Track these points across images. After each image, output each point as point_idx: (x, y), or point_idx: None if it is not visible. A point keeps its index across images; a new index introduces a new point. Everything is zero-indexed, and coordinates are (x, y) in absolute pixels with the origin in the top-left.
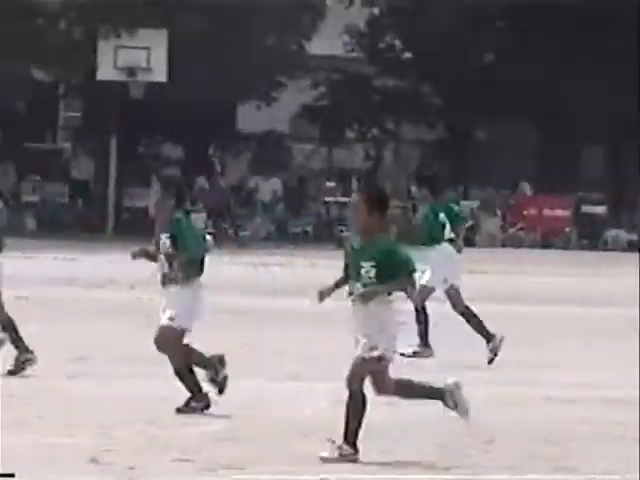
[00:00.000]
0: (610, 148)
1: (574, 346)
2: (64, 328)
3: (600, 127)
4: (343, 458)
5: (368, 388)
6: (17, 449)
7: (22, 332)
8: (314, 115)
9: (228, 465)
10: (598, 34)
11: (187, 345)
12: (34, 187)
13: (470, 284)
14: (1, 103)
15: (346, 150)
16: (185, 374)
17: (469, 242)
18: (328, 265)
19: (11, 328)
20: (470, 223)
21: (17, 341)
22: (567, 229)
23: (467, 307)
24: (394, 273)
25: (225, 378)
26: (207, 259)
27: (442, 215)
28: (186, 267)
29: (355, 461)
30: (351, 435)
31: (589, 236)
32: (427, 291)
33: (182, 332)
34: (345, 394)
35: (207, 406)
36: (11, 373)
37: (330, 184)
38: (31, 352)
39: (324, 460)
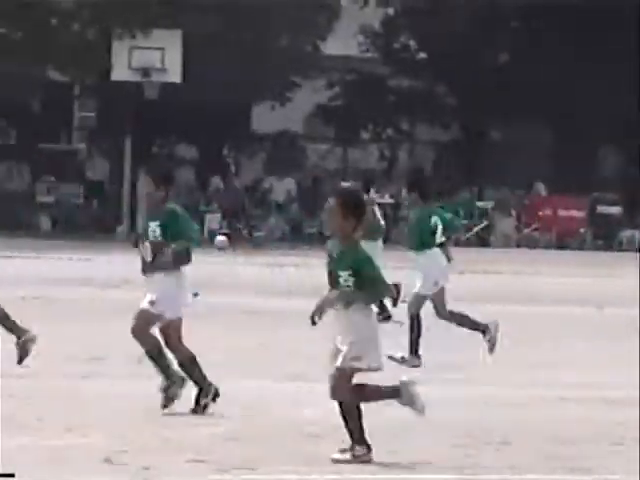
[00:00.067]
0: (625, 148)
1: (589, 346)
2: (79, 328)
3: (615, 127)
4: (357, 459)
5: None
6: (30, 450)
7: (38, 332)
8: (329, 115)
9: (241, 465)
10: (612, 34)
11: (156, 338)
12: (49, 188)
13: (485, 284)
14: (16, 104)
15: (361, 150)
16: (189, 366)
17: (484, 242)
18: None
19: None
20: (485, 223)
21: (12, 327)
22: (582, 230)
23: (450, 312)
24: (370, 283)
25: (174, 397)
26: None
27: (434, 219)
28: (179, 256)
29: (369, 461)
30: (357, 433)
31: (604, 237)
32: (421, 299)
33: (158, 317)
34: None
35: (216, 395)
36: (21, 360)
37: (345, 184)
38: (27, 331)
39: (336, 461)
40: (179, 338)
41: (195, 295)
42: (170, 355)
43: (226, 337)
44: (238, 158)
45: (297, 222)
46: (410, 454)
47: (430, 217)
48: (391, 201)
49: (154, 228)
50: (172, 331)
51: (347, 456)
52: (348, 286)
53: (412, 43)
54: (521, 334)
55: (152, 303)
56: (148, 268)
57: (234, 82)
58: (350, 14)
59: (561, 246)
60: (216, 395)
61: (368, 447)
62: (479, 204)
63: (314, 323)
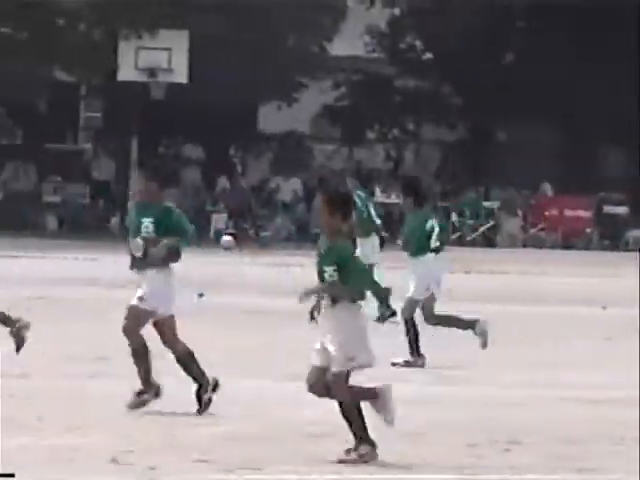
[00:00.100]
0: (632, 148)
1: (596, 346)
2: (85, 328)
3: (621, 127)
4: (362, 459)
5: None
6: (30, 450)
7: (43, 332)
8: (335, 115)
9: (246, 465)
10: (617, 34)
11: (143, 338)
12: (55, 188)
13: (491, 284)
14: (22, 104)
15: (367, 150)
16: (187, 362)
17: (490, 242)
18: None
19: None
20: (491, 223)
21: (3, 319)
22: (588, 230)
23: (437, 317)
24: (354, 279)
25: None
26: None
27: (429, 224)
28: (171, 253)
29: (375, 458)
30: (360, 432)
31: (610, 237)
32: (414, 304)
33: (150, 314)
34: None
35: (216, 385)
36: (18, 348)
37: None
38: (19, 320)
39: (342, 462)
40: (174, 334)
41: (200, 296)
42: (170, 355)
43: (232, 337)
44: (245, 158)
45: (303, 222)
46: (410, 454)
47: (426, 221)
48: (397, 201)
49: (147, 224)
50: (166, 328)
51: (353, 456)
52: (333, 281)
53: (418, 43)
54: (527, 334)
55: (141, 299)
56: (138, 264)
57: (241, 82)
58: (356, 15)
59: (567, 246)
60: (216, 386)
61: (373, 445)
62: (485, 204)
63: (312, 318)
